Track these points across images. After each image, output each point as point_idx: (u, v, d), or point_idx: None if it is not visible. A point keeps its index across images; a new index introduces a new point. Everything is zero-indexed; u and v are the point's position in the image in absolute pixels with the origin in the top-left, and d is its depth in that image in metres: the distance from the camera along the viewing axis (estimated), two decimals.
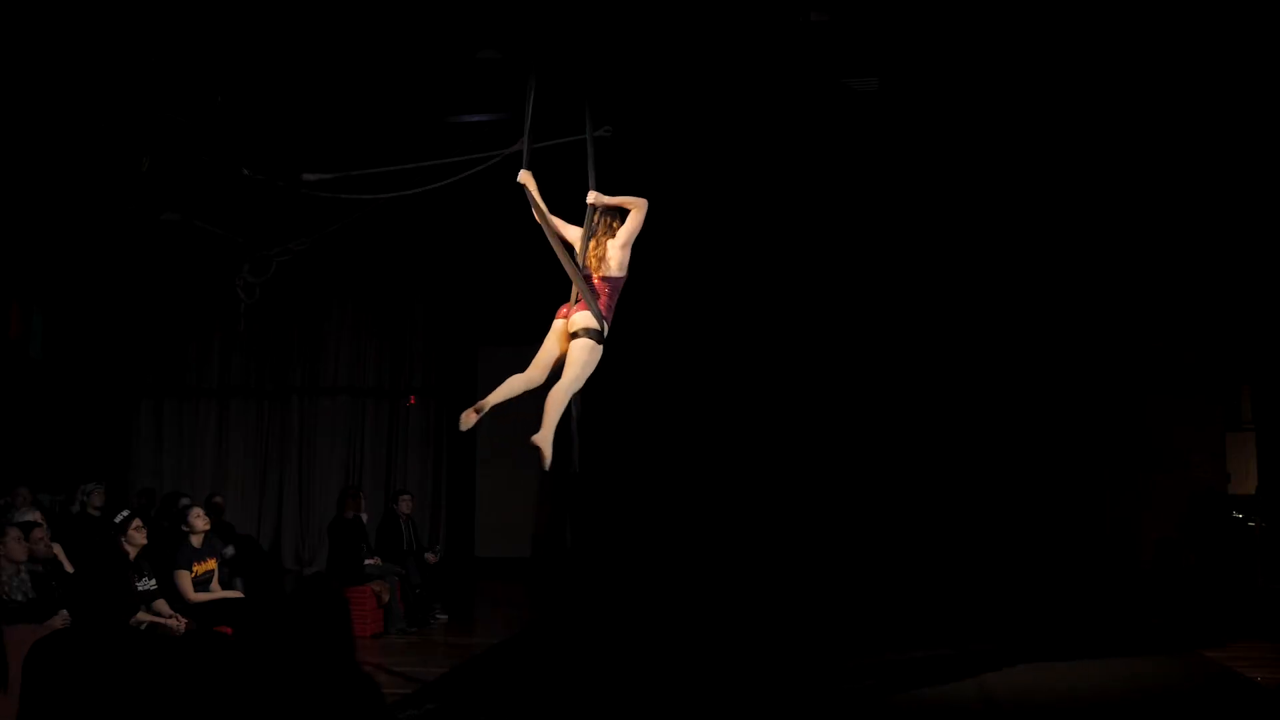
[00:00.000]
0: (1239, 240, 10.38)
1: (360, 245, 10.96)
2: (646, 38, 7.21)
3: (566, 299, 5.48)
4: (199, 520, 7.07)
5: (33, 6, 6.73)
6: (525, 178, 5.69)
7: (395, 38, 7.32)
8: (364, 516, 9.14)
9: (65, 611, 5.55)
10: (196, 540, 7.00)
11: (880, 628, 8.51)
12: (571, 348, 5.34)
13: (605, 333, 5.36)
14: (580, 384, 5.36)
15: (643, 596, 10.10)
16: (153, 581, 6.46)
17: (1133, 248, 10.99)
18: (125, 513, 6.64)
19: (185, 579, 6.81)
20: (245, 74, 7.56)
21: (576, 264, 5.45)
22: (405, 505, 9.35)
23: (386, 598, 8.48)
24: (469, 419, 5.24)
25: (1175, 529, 10.77)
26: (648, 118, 7.92)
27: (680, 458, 11.47)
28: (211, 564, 7.08)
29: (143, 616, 6.16)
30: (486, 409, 5.26)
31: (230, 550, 8.62)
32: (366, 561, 8.73)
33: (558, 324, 5.45)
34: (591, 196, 5.54)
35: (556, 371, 5.38)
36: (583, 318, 5.34)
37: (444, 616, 9.07)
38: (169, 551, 6.93)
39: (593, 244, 5.48)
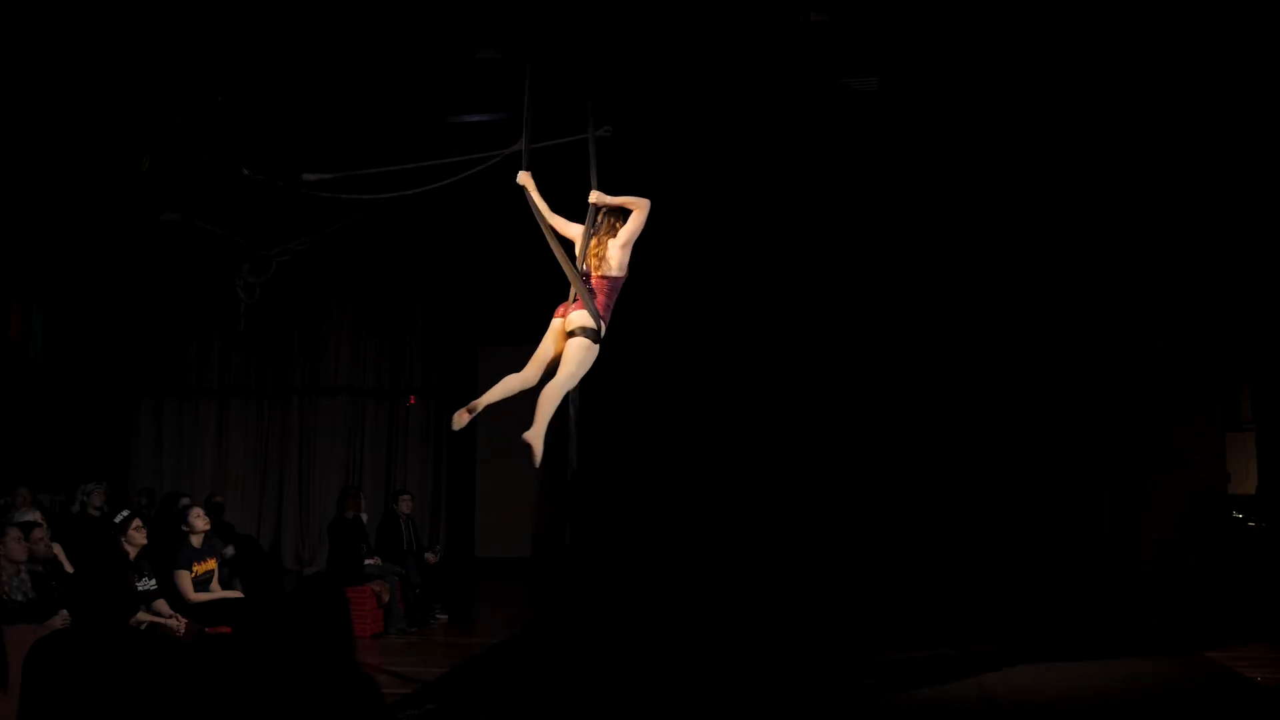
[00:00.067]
0: (1239, 240, 10.38)
1: (360, 245, 10.96)
2: (646, 38, 7.21)
3: (566, 298, 5.48)
4: (199, 520, 7.07)
5: (33, 6, 6.73)
6: (525, 179, 5.71)
7: (395, 38, 7.32)
8: (364, 516, 9.14)
9: (65, 611, 5.55)
10: (196, 540, 7.00)
11: (880, 628, 8.51)
12: (567, 346, 5.34)
13: (602, 332, 5.35)
14: (574, 383, 5.36)
15: (642, 596, 10.10)
16: (153, 581, 6.46)
17: (1133, 248, 10.99)
18: (125, 513, 6.64)
19: (185, 579, 6.81)
20: (245, 74, 7.56)
21: (575, 263, 5.45)
22: (405, 505, 9.35)
23: (386, 598, 8.48)
24: (461, 419, 5.24)
25: (1175, 529, 10.77)
26: (648, 118, 7.91)
27: (680, 457, 11.47)
28: (211, 564, 7.08)
29: (143, 616, 6.16)
30: (479, 409, 5.26)
31: (230, 550, 8.62)
32: (366, 561, 8.73)
33: (555, 323, 5.44)
34: (594, 196, 5.54)
35: (552, 370, 5.38)
36: (580, 316, 5.34)
37: (444, 616, 9.07)
38: (169, 551, 6.93)
39: (593, 243, 5.48)
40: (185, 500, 8.75)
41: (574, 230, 5.59)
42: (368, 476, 12.14)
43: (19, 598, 5.63)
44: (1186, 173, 9.63)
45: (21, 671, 3.07)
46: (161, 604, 6.39)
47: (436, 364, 12.43)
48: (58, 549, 6.52)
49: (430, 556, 9.34)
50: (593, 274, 5.44)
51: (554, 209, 5.74)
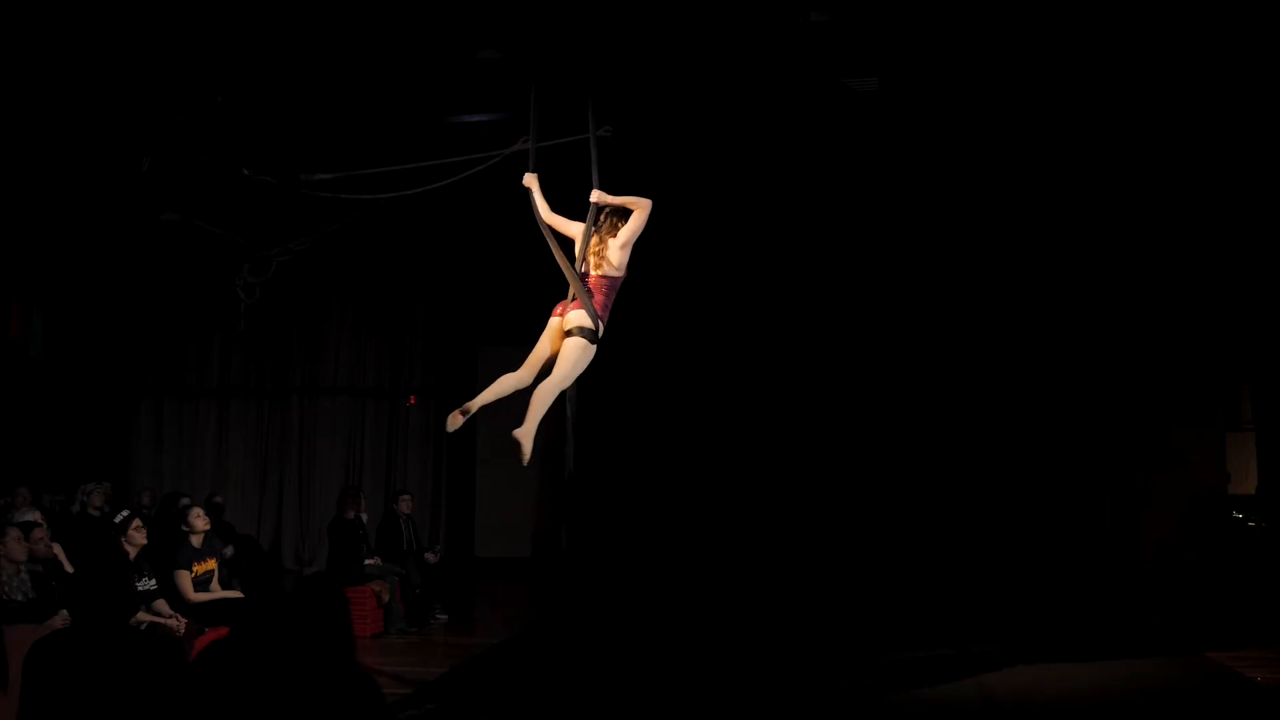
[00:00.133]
0: (1239, 240, 10.38)
1: (360, 245, 10.96)
2: (647, 38, 7.21)
3: (564, 297, 5.47)
4: (199, 520, 7.07)
5: (33, 6, 6.73)
6: (530, 181, 5.72)
7: (395, 38, 7.32)
8: (364, 516, 9.14)
9: (65, 611, 5.55)
10: (196, 540, 7.00)
11: (880, 628, 8.51)
12: (564, 345, 5.32)
13: (600, 332, 5.34)
14: (569, 383, 5.35)
15: (642, 596, 10.09)
16: (153, 581, 6.46)
17: (1133, 248, 10.99)
18: (125, 513, 6.64)
19: (185, 579, 6.81)
20: (245, 74, 7.56)
21: (574, 262, 5.45)
22: (405, 505, 9.35)
23: (386, 598, 8.48)
24: (455, 421, 5.23)
25: (1175, 529, 10.77)
26: (648, 118, 7.91)
27: (679, 457, 11.47)
28: (211, 564, 7.08)
29: (143, 616, 6.16)
30: (473, 411, 5.25)
31: (229, 550, 8.62)
32: (366, 561, 8.74)
33: (553, 321, 5.43)
34: (595, 196, 5.53)
35: (548, 370, 5.37)
36: (577, 316, 5.32)
37: (444, 616, 9.07)
38: (169, 551, 6.93)
39: (594, 242, 5.47)
40: (185, 500, 8.75)
41: (574, 228, 5.59)
42: (368, 476, 12.14)
43: (19, 598, 5.63)
44: (1186, 173, 9.63)
45: (21, 671, 3.08)
46: (161, 604, 6.39)
47: (436, 364, 12.43)
48: (58, 549, 6.52)
49: (430, 556, 9.34)
50: (592, 273, 5.43)
51: (555, 209, 5.75)
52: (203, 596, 6.86)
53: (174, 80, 7.45)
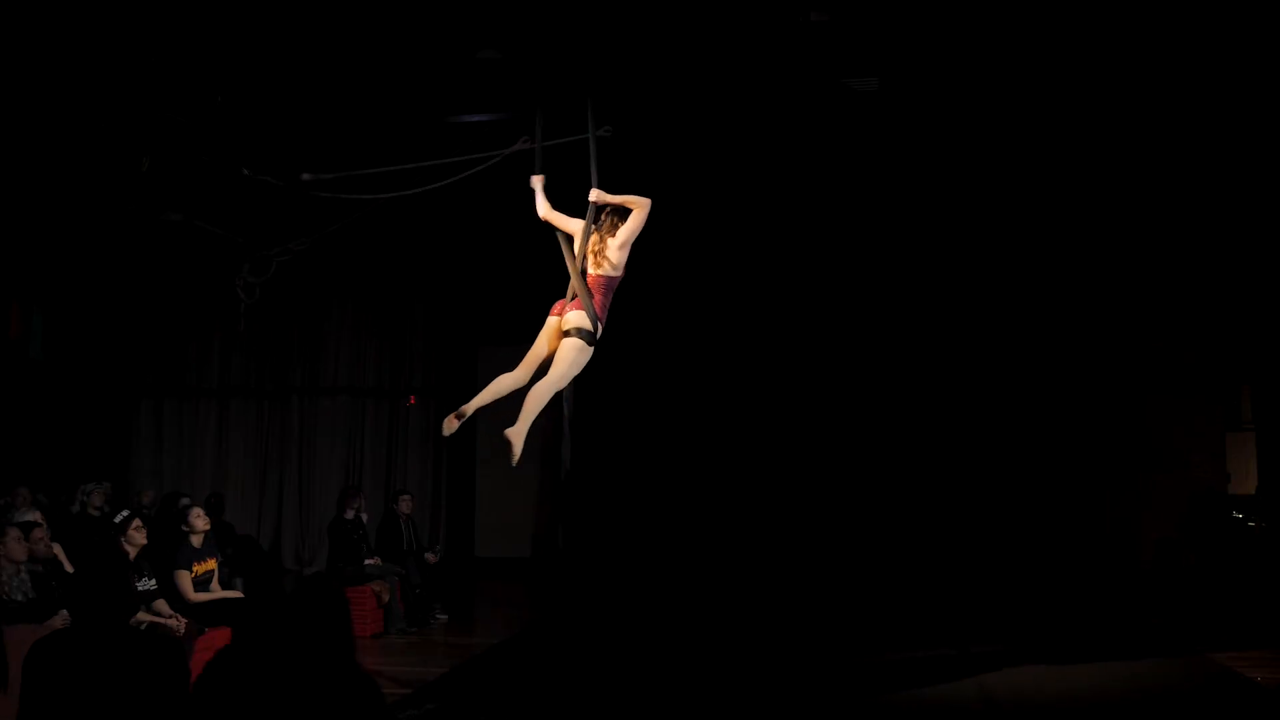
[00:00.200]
0: (1239, 240, 10.38)
1: (360, 245, 10.96)
2: (647, 38, 7.21)
3: (563, 296, 5.47)
4: (199, 520, 7.07)
5: (33, 6, 6.73)
6: (536, 182, 5.72)
7: (395, 38, 7.32)
8: (364, 516, 9.14)
9: (65, 611, 5.55)
10: (196, 540, 7.00)
11: (880, 628, 8.51)
12: (561, 346, 5.32)
13: (598, 334, 5.33)
14: (565, 383, 5.34)
15: (642, 596, 10.09)
16: (153, 581, 6.46)
17: (1133, 248, 10.99)
18: (125, 513, 6.64)
19: (185, 579, 6.81)
20: (245, 74, 7.56)
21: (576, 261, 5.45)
22: (405, 505, 9.35)
23: (386, 598, 8.48)
24: (450, 425, 5.24)
25: (1175, 529, 10.77)
26: (648, 118, 7.91)
27: (678, 457, 11.46)
28: (211, 564, 7.08)
29: (143, 616, 6.16)
30: (469, 414, 5.24)
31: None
32: (366, 561, 8.74)
33: (551, 320, 5.43)
34: (594, 195, 5.53)
35: (544, 369, 5.37)
36: (577, 317, 5.32)
37: (444, 616, 9.07)
38: (169, 551, 6.93)
39: (593, 242, 5.46)
40: (185, 500, 8.75)
41: (574, 225, 5.59)
42: (368, 476, 12.13)
43: (19, 598, 5.63)
44: (1186, 173, 9.63)
45: (21, 671, 3.08)
46: (161, 604, 6.39)
47: (436, 364, 12.43)
48: (58, 549, 6.52)
49: (430, 556, 9.34)
50: (590, 272, 5.43)
51: (555, 208, 5.75)
52: (203, 596, 6.86)
53: (174, 80, 7.45)
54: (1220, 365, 11.07)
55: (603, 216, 5.49)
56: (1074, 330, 11.24)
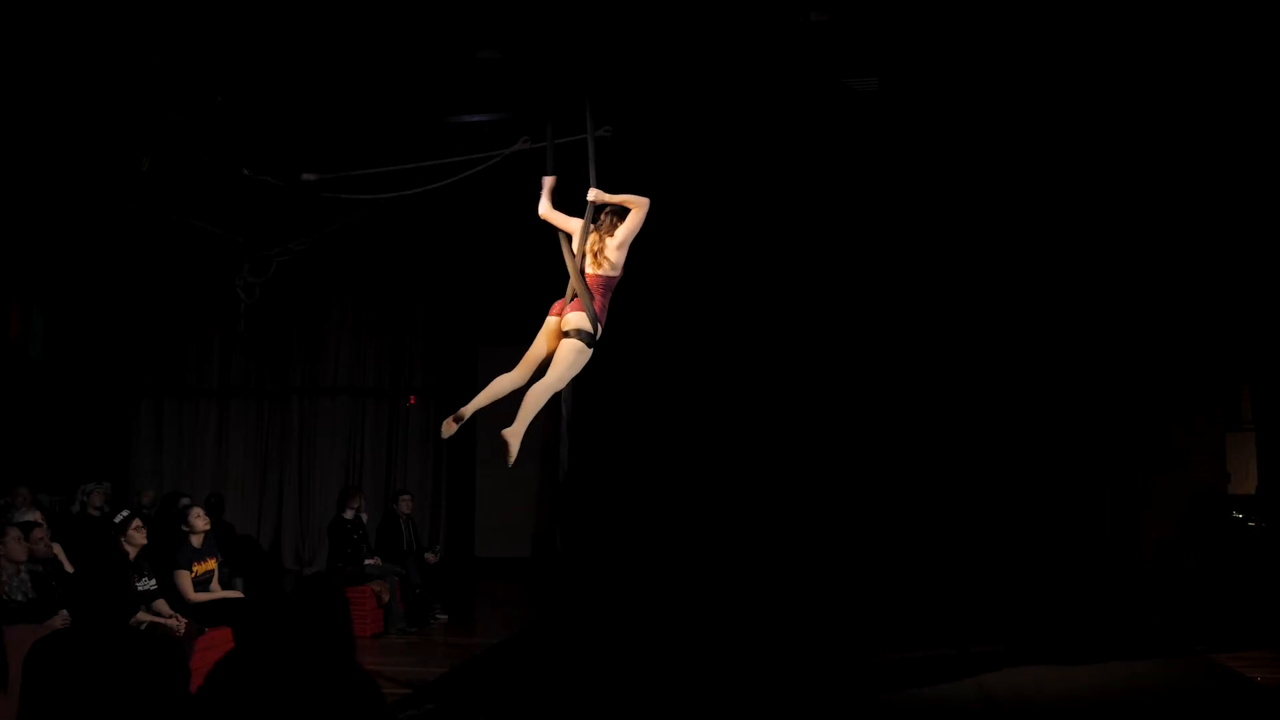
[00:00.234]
0: (1239, 240, 10.38)
1: (360, 245, 10.96)
2: (647, 37, 7.21)
3: (562, 296, 5.46)
4: (199, 520, 7.07)
5: (33, 6, 6.73)
6: (548, 183, 5.71)
7: (395, 38, 7.32)
8: (364, 516, 9.14)
9: (65, 611, 5.56)
10: (196, 540, 7.00)
11: (880, 628, 8.51)
12: (561, 347, 5.29)
13: (598, 335, 5.31)
14: (563, 385, 5.32)
15: (642, 597, 10.09)
16: (153, 581, 6.46)
17: (1133, 248, 10.99)
18: (125, 513, 6.64)
19: (185, 579, 6.81)
20: (245, 74, 7.56)
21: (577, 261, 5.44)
22: (405, 505, 9.35)
23: (386, 598, 8.48)
24: (449, 429, 5.23)
25: (1175, 529, 10.77)
26: (648, 118, 7.91)
27: (678, 456, 11.46)
28: (211, 564, 7.08)
29: (143, 616, 6.16)
30: (466, 417, 5.23)
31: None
32: (366, 561, 8.74)
33: (550, 321, 5.40)
34: (592, 194, 5.52)
35: (543, 370, 5.35)
36: (577, 318, 5.28)
37: (444, 616, 9.07)
38: (169, 551, 6.93)
39: (591, 241, 5.44)
40: (185, 500, 8.75)
41: (573, 224, 5.57)
42: (368, 476, 12.13)
43: (19, 598, 5.63)
44: (1186, 173, 9.63)
45: (21, 671, 3.08)
46: (161, 604, 6.39)
47: (436, 364, 12.43)
48: (58, 549, 6.52)
49: (430, 556, 9.34)
50: (589, 272, 5.40)
51: (554, 208, 5.75)
52: (203, 596, 6.86)
53: (174, 80, 7.45)
54: (1220, 365, 11.07)
55: (602, 216, 5.48)
56: (1074, 330, 11.24)
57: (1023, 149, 9.33)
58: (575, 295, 5.36)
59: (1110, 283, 11.17)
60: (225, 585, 7.31)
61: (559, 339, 5.33)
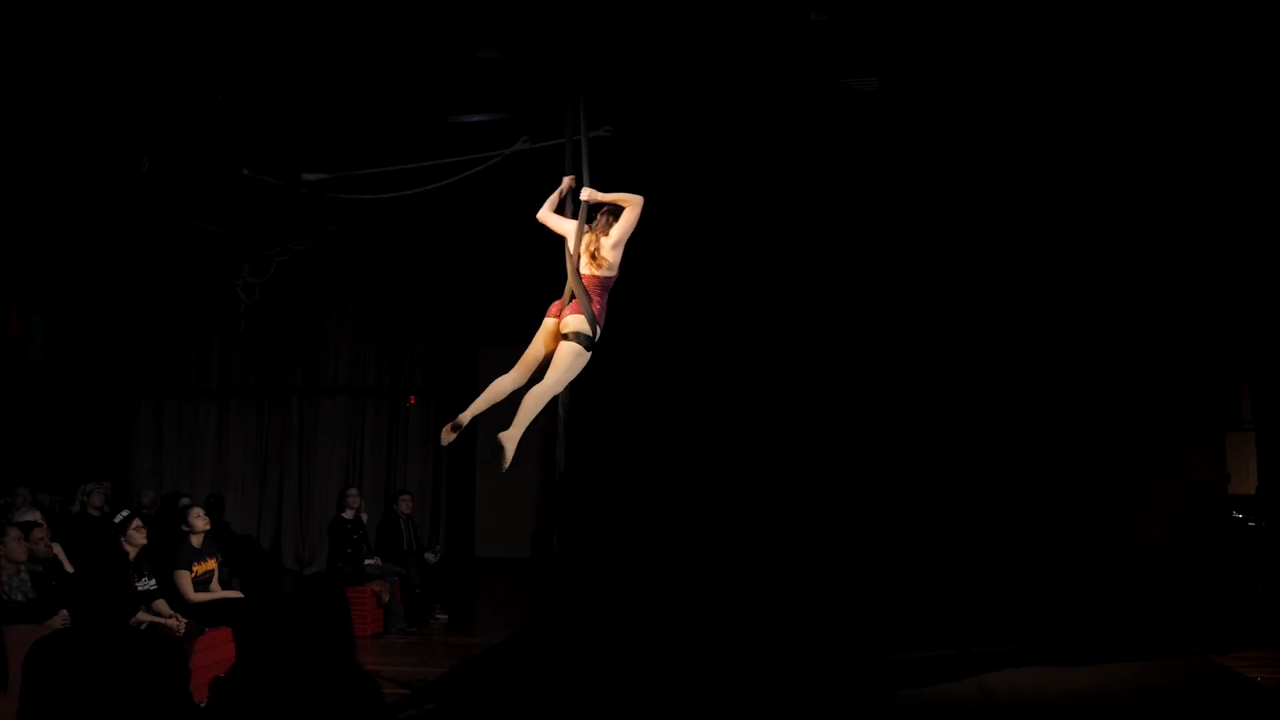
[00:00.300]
0: (1239, 240, 10.38)
1: (360, 245, 10.96)
2: (647, 37, 7.21)
3: (559, 298, 5.44)
4: (199, 520, 7.07)
5: (33, 6, 6.73)
6: (567, 183, 5.66)
7: (395, 38, 7.32)
8: (364, 516, 9.14)
9: (65, 611, 5.56)
10: (196, 540, 7.00)
11: (880, 628, 8.51)
12: (559, 349, 5.26)
13: (596, 338, 5.28)
14: (561, 388, 5.28)
15: (642, 597, 10.09)
16: (153, 581, 6.46)
17: (1133, 248, 10.99)
18: (125, 513, 6.64)
19: (185, 579, 6.81)
20: (245, 74, 7.56)
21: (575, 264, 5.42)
22: (405, 505, 9.35)
23: (386, 598, 8.48)
24: (447, 436, 5.22)
25: (1175, 529, 10.77)
26: (648, 118, 7.91)
27: (677, 457, 11.45)
28: (211, 564, 7.08)
29: (143, 616, 6.16)
30: (465, 424, 5.22)
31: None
32: (366, 561, 8.74)
33: (548, 322, 5.36)
34: (585, 194, 5.50)
35: (541, 371, 5.33)
36: (576, 321, 5.24)
37: (444, 616, 9.07)
38: (169, 551, 6.92)
39: (587, 242, 5.39)
40: (185, 500, 8.75)
41: (567, 226, 5.55)
42: (368, 476, 12.13)
43: (19, 598, 5.63)
44: (1186, 173, 9.63)
45: (21, 671, 3.08)
46: (161, 604, 6.39)
47: (436, 364, 12.43)
48: (58, 549, 6.52)
49: (430, 556, 9.34)
50: (585, 273, 5.35)
51: (554, 211, 5.74)
52: (203, 596, 6.86)
53: (174, 80, 7.45)
54: (1220, 365, 11.06)
55: (598, 216, 5.45)
56: (1074, 331, 11.23)
57: (1023, 149, 9.33)
58: (573, 296, 5.34)
59: (1110, 283, 11.16)
60: (225, 585, 7.30)
61: (557, 341, 5.30)
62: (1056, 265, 11.12)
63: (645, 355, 11.19)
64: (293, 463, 12.41)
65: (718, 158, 9.39)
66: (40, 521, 6.49)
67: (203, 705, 2.68)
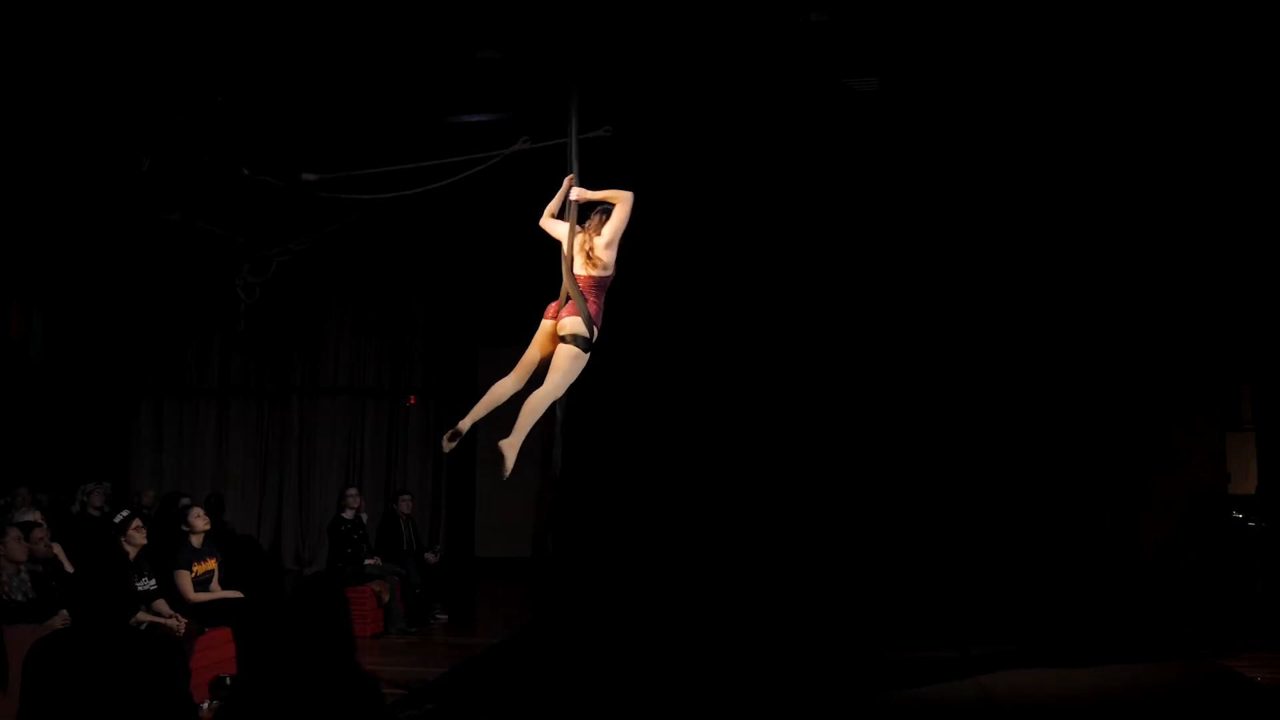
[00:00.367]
0: (1238, 241, 10.38)
1: (360, 245, 10.96)
2: (647, 37, 7.21)
3: (556, 299, 5.41)
4: (199, 520, 7.07)
5: (33, 6, 6.73)
6: (568, 182, 5.62)
7: (395, 38, 7.32)
8: (364, 516, 9.14)
9: (65, 611, 5.56)
10: (196, 540, 7.00)
11: (880, 628, 8.51)
12: (558, 352, 5.23)
13: (594, 339, 5.25)
14: (561, 392, 5.25)
15: (642, 597, 10.09)
16: (153, 581, 6.46)
17: (1132, 249, 10.99)
18: (125, 513, 6.64)
19: (185, 579, 6.81)
20: (245, 74, 7.56)
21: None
22: (405, 505, 9.36)
23: (386, 598, 8.48)
24: (448, 445, 5.22)
25: (1175, 529, 10.76)
26: (647, 117, 7.91)
27: (677, 457, 11.45)
28: (211, 564, 7.08)
29: (143, 616, 6.16)
30: (465, 431, 5.21)
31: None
32: (366, 561, 8.74)
33: (545, 324, 5.33)
34: (575, 193, 5.47)
35: (540, 372, 5.31)
36: (573, 323, 5.21)
37: (444, 616, 9.08)
38: (169, 551, 6.93)
39: (580, 242, 5.35)
40: (185, 500, 8.75)
41: (560, 229, 5.52)
42: (368, 476, 12.13)
43: (19, 598, 5.64)
44: (1186, 173, 9.63)
45: (21, 671, 3.08)
46: (161, 604, 6.39)
47: (436, 364, 12.43)
48: (58, 549, 6.52)
49: (430, 556, 9.35)
50: (580, 274, 5.31)
51: (545, 204, 5.71)
52: (203, 596, 6.86)
53: (174, 80, 7.45)
54: (1220, 365, 11.06)
55: (591, 216, 5.41)
56: (1074, 331, 11.23)
57: (1023, 149, 9.33)
58: (570, 298, 5.31)
59: (1110, 283, 11.16)
60: (225, 585, 7.30)
61: (555, 342, 5.27)
62: (1056, 266, 11.12)
63: (644, 355, 11.19)
64: (293, 463, 12.41)
65: (718, 158, 9.39)
66: (40, 521, 6.50)
67: (204, 706, 2.68)
